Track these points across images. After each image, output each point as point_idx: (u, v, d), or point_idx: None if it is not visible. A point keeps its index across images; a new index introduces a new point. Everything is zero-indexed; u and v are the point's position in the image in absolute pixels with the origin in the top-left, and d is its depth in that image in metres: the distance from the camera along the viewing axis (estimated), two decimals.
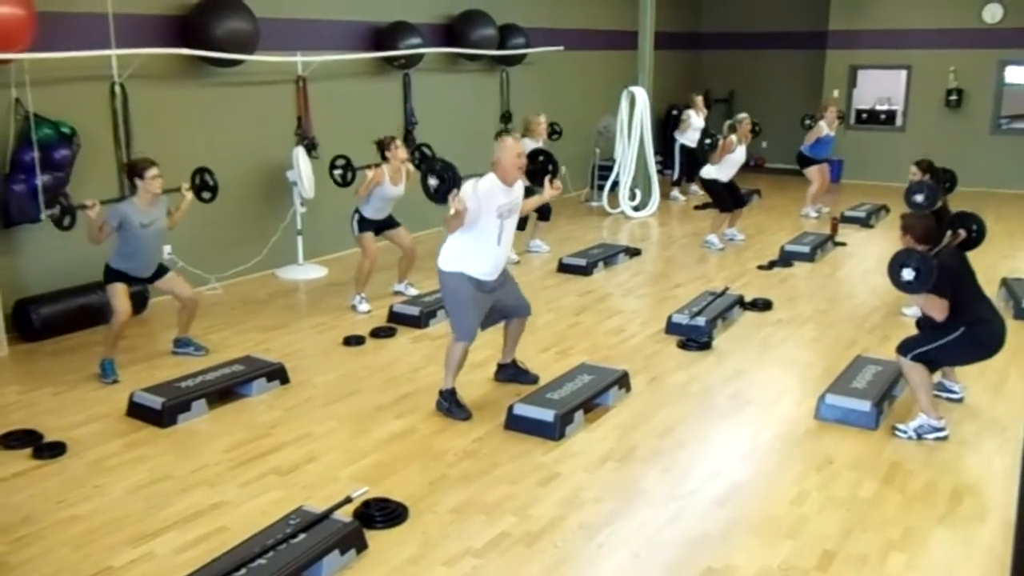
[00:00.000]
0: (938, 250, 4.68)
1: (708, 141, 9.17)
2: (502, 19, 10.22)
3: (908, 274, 4.41)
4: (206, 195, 6.06)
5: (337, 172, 6.87)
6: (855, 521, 3.86)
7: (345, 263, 8.19)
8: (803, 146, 10.75)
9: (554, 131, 9.19)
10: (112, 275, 5.48)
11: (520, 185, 5.00)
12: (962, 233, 5.45)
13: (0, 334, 5.92)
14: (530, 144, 8.58)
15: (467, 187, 4.72)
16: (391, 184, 6.76)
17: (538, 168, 5.49)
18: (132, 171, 5.53)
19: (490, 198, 4.75)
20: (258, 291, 7.58)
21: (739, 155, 9.02)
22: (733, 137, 8.93)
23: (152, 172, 5.43)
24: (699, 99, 12.18)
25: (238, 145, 7.66)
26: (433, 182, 4.74)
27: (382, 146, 6.81)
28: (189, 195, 5.87)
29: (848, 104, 13.75)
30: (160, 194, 5.51)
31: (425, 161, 4.77)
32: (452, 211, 4.66)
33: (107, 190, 6.70)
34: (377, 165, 6.75)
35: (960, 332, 4.58)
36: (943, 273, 4.43)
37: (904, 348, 4.72)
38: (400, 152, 6.80)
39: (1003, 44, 12.54)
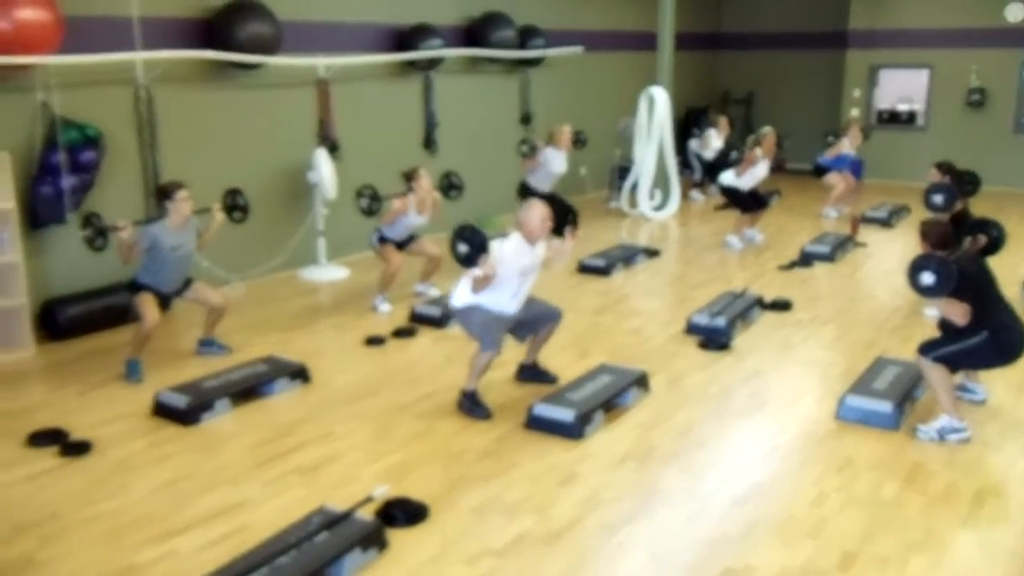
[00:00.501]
0: (958, 255, 4.66)
1: (735, 154, 9.16)
2: (522, 20, 10.24)
3: (927, 278, 4.40)
4: (237, 215, 6.13)
5: (363, 202, 6.90)
6: (876, 522, 3.85)
7: (367, 264, 8.24)
8: (821, 158, 10.70)
9: (579, 140, 9.21)
10: (138, 288, 5.57)
11: (542, 244, 5.09)
12: (982, 239, 5.42)
13: (27, 334, 6.01)
14: (553, 154, 8.66)
15: (494, 249, 4.79)
16: (415, 214, 6.84)
17: (559, 217, 5.52)
18: (162, 193, 5.62)
19: (515, 258, 4.87)
20: (280, 291, 7.64)
21: (761, 169, 9.00)
22: (758, 151, 8.90)
23: (182, 194, 5.51)
24: (723, 120, 12.17)
25: (261, 146, 7.73)
26: (463, 249, 4.76)
27: (408, 177, 6.85)
28: (220, 216, 5.94)
29: (869, 104, 13.67)
30: (190, 215, 5.58)
31: (455, 230, 4.83)
32: (481, 274, 4.74)
33: (132, 193, 6.80)
34: (403, 195, 6.79)
35: (983, 337, 4.56)
36: (963, 278, 4.41)
37: (926, 349, 4.70)
38: (425, 183, 6.82)
39: None
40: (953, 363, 4.70)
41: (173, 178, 5.92)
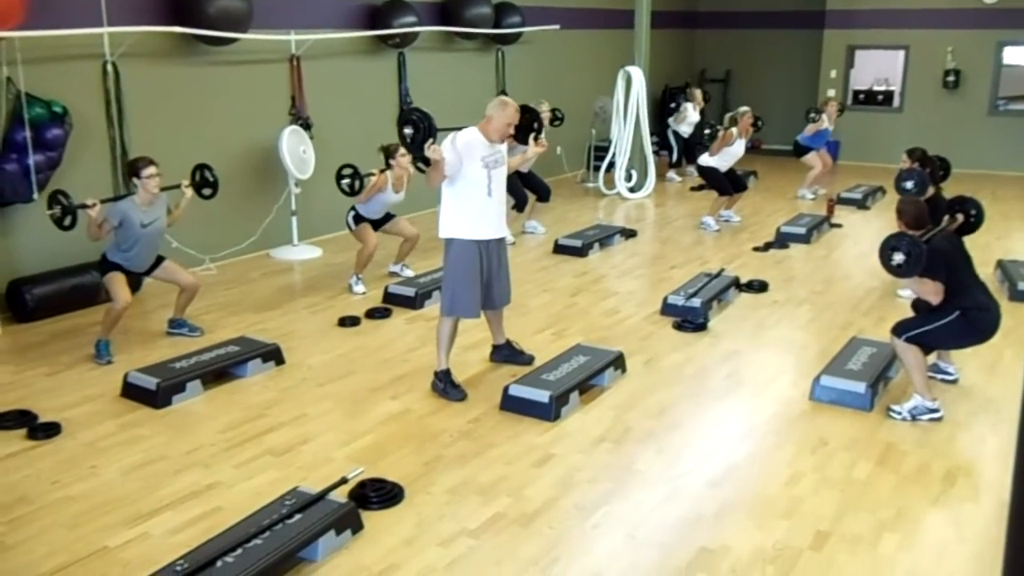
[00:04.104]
0: (933, 234, 4.67)
1: (708, 132, 9.11)
2: None
3: (898, 258, 4.42)
4: (207, 192, 6.02)
5: (344, 182, 6.78)
6: (849, 502, 3.88)
7: (340, 244, 8.17)
8: (800, 136, 10.71)
9: (556, 117, 9.13)
10: (108, 267, 5.47)
11: (503, 144, 4.98)
12: (959, 218, 5.43)
13: None
14: None
15: (446, 140, 4.72)
16: (392, 191, 6.76)
17: (523, 125, 5.46)
18: (131, 170, 5.52)
19: (471, 149, 4.74)
20: (252, 272, 7.56)
21: (738, 148, 8.96)
22: (733, 130, 8.86)
23: (149, 171, 5.40)
24: (698, 93, 12.16)
25: (232, 125, 7.61)
26: (408, 131, 4.72)
27: (387, 153, 6.76)
28: (189, 192, 5.84)
29: (845, 85, 13.70)
30: (158, 193, 5.49)
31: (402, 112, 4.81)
32: (431, 160, 4.65)
33: (100, 170, 6.68)
34: (382, 171, 6.71)
35: (955, 316, 4.58)
36: (936, 256, 4.43)
37: (898, 329, 4.72)
38: (404, 160, 6.73)
39: (1001, 24, 12.48)
40: (926, 343, 4.72)
41: (142, 154, 5.80)
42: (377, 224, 6.94)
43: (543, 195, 8.78)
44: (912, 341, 4.67)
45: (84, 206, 5.29)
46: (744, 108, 9.15)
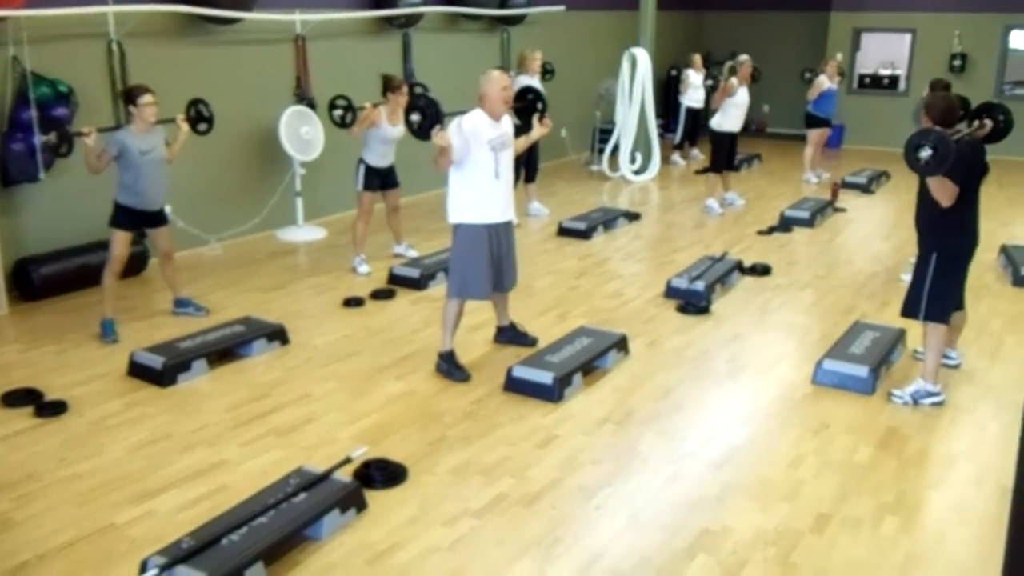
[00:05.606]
0: (961, 136, 4.45)
1: (710, 83, 9.06)
2: None
3: (925, 154, 4.11)
4: (202, 127, 5.98)
5: (336, 113, 6.73)
6: (850, 485, 3.90)
7: (344, 224, 8.16)
8: (809, 104, 10.61)
9: (547, 70, 9.16)
10: (119, 214, 5.45)
11: (508, 120, 4.99)
12: (988, 123, 5.27)
13: (0, 293, 5.93)
14: (524, 80, 8.53)
15: (452, 125, 4.74)
16: (389, 125, 6.64)
17: (527, 106, 5.46)
18: (127, 97, 5.50)
19: (477, 133, 4.76)
20: (258, 252, 7.57)
21: (742, 97, 8.93)
22: (734, 80, 8.83)
23: (146, 99, 5.35)
24: (697, 58, 12.05)
25: (237, 105, 7.59)
26: (415, 117, 4.74)
27: (388, 85, 6.65)
28: (185, 126, 5.80)
29: (851, 68, 13.62)
30: (154, 123, 5.46)
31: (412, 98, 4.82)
32: (437, 145, 4.67)
33: None
34: (375, 105, 6.67)
35: (935, 260, 4.52)
36: (959, 158, 4.20)
37: (912, 312, 4.66)
38: (402, 98, 6.57)
39: (1009, 8, 12.40)
40: (941, 300, 4.58)
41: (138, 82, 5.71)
42: (382, 182, 6.87)
43: (530, 174, 8.80)
44: (931, 314, 4.56)
45: (80, 134, 5.27)
46: (744, 56, 9.09)
